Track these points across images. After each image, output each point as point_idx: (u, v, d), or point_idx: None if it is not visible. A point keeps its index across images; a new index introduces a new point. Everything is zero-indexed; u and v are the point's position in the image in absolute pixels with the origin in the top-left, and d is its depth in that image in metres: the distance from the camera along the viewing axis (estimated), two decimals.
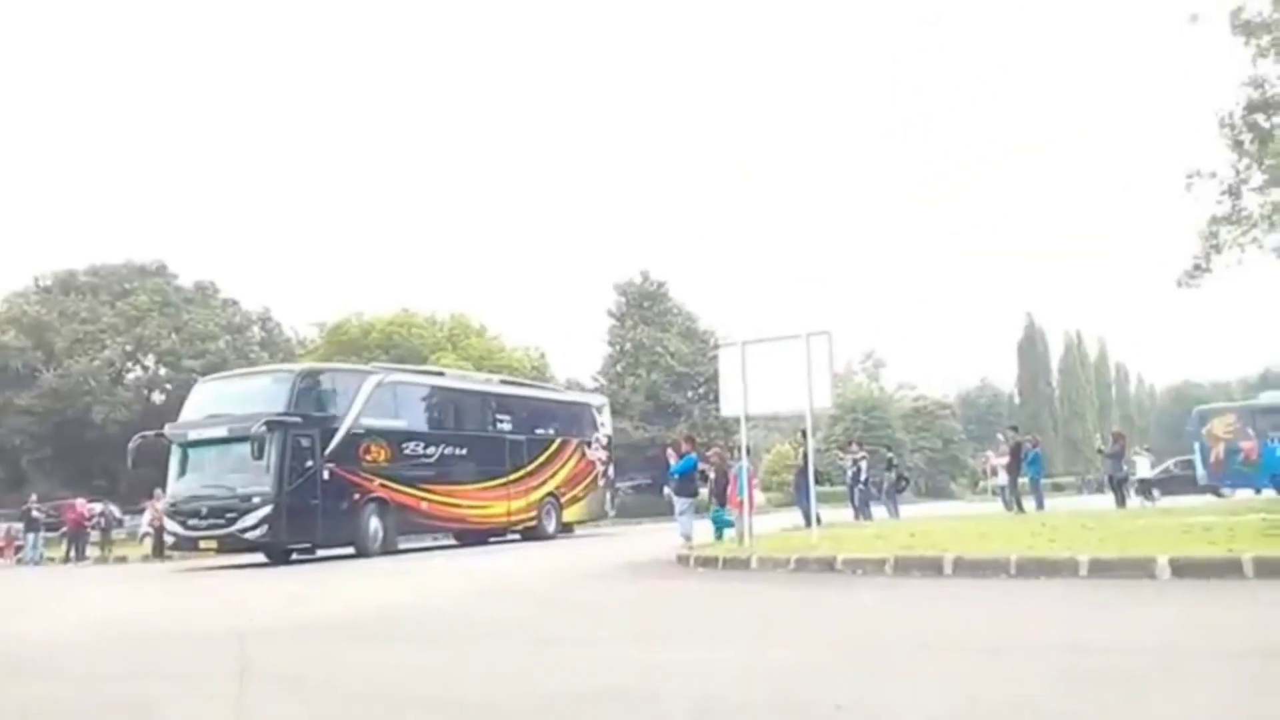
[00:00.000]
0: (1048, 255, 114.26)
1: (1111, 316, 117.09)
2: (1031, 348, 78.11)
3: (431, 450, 22.72)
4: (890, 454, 25.43)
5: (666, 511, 41.25)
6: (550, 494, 26.35)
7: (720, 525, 15.51)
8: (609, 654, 6.76)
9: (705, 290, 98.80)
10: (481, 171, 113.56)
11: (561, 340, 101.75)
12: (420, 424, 22.89)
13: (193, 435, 19.73)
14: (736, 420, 14.77)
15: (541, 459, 26.38)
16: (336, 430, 20.07)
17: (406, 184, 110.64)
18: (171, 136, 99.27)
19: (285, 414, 19.11)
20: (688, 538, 14.12)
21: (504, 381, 29.10)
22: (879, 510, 24.53)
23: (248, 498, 18.63)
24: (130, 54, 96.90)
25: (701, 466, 18.11)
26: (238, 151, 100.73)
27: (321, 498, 19.44)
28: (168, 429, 20.49)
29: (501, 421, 25.33)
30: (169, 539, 20.56)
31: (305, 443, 19.34)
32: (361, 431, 20.53)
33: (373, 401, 21.00)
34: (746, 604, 9.80)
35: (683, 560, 13.82)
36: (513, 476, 25.10)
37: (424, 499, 22.04)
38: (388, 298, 76.69)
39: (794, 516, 20.67)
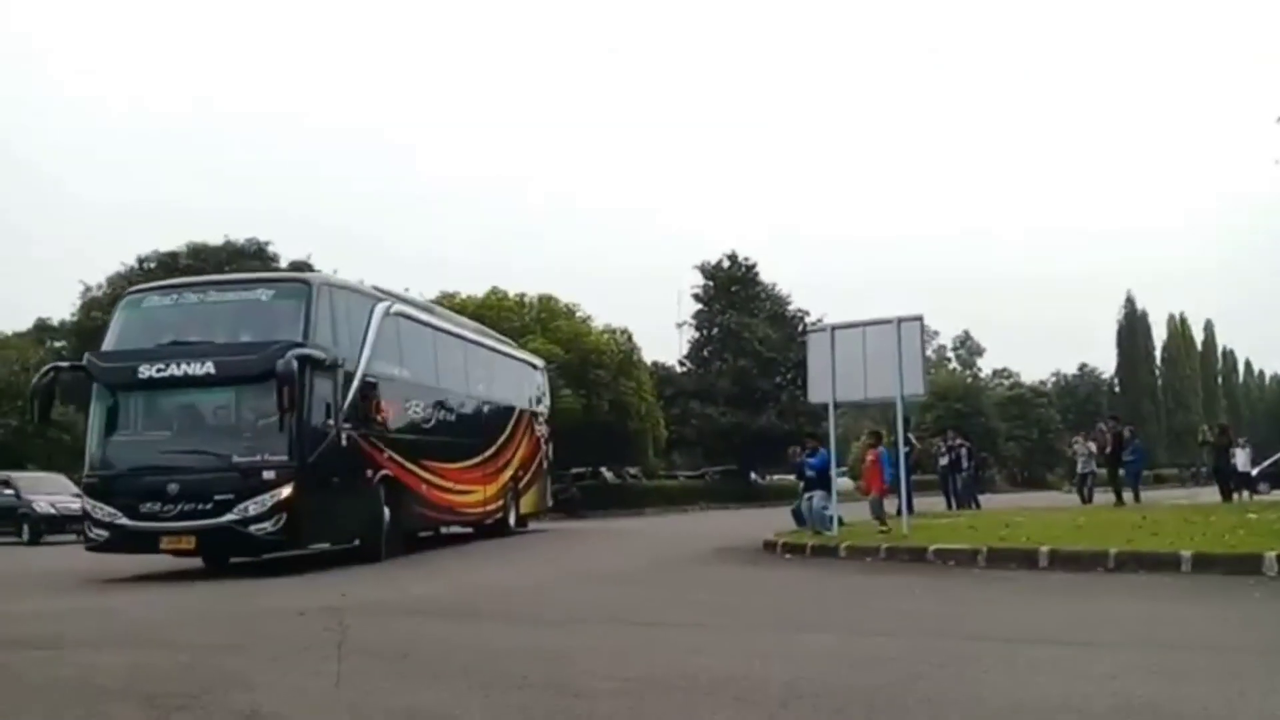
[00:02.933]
0: (1151, 234, 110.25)
1: (1219, 299, 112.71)
2: (1132, 333, 75.49)
3: (429, 415, 16.65)
4: (965, 443, 24.70)
5: (748, 498, 41.48)
6: (512, 478, 20.59)
7: (817, 517, 15.26)
8: (706, 640, 6.80)
9: (795, 271, 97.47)
10: (568, 147, 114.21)
11: (646, 322, 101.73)
12: (422, 376, 16.59)
13: (149, 372, 12.52)
14: (824, 407, 14.63)
15: (505, 433, 20.54)
16: (352, 375, 13.61)
17: (498, 162, 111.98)
18: (269, 115, 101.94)
19: (306, 343, 12.60)
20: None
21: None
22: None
23: (252, 472, 12.11)
24: (231, 33, 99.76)
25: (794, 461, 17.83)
26: (333, 130, 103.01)
27: (340, 475, 13.22)
28: (91, 361, 13.31)
29: (478, 381, 19.58)
30: (94, 532, 12.69)
31: (326, 391, 12.97)
32: (373, 380, 14.11)
33: (382, 339, 14.74)
34: (835, 592, 9.76)
35: (769, 547, 13.79)
36: (487, 454, 19.15)
37: (423, 480, 15.86)
38: (480, 278, 77.93)
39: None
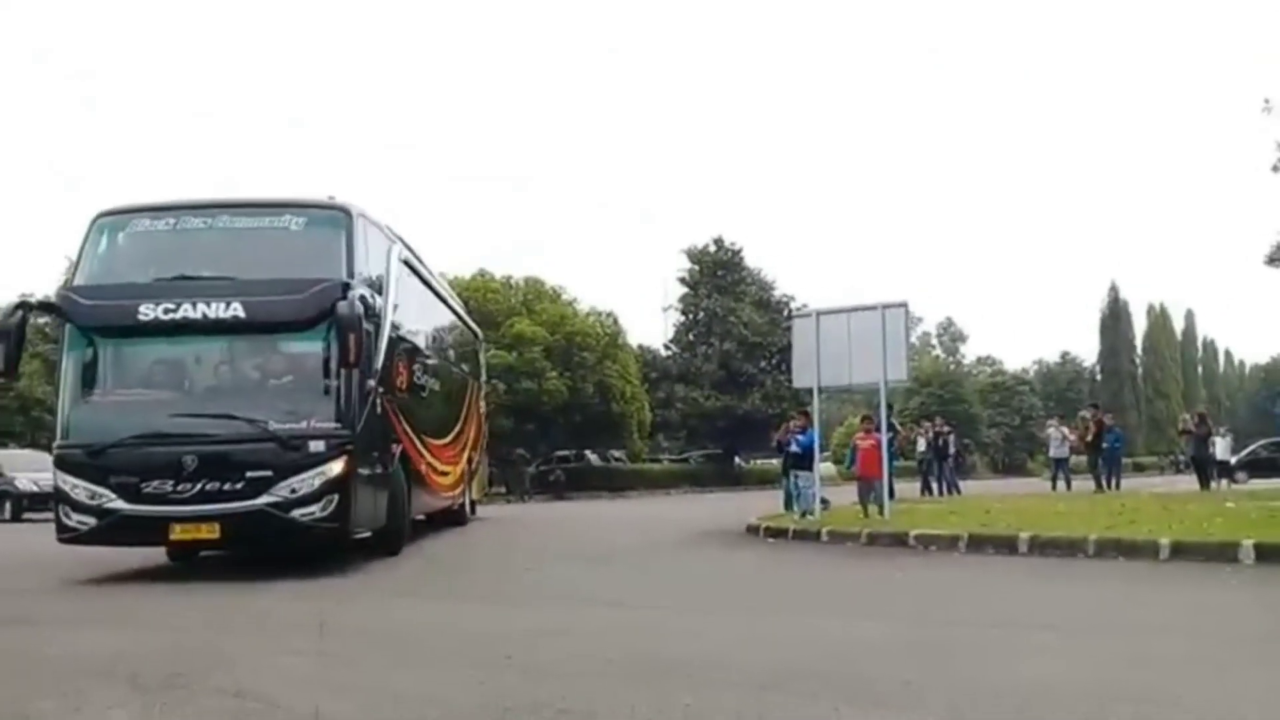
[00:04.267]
0: (1134, 223, 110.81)
1: (1199, 288, 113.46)
2: (1115, 321, 75.80)
3: (424, 381, 13.95)
4: (950, 430, 24.98)
5: (732, 482, 41.66)
6: (468, 459, 18.09)
7: (803, 497, 15.28)
8: (688, 623, 6.84)
9: (781, 256, 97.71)
10: (554, 128, 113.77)
11: (631, 304, 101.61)
12: (419, 335, 14.02)
13: (153, 314, 9.73)
14: (809, 391, 14.69)
15: (466, 407, 18.28)
16: (380, 327, 10.87)
17: (488, 141, 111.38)
18: (260, 99, 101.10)
19: (351, 282, 10.10)
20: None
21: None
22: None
23: (297, 442, 9.60)
24: (223, 29, 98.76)
25: (780, 438, 17.92)
26: (330, 109, 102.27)
27: (376, 448, 10.78)
28: (68, 298, 10.29)
29: (449, 346, 17.36)
30: (74, 519, 9.72)
31: (368, 344, 10.17)
32: (394, 336, 11.50)
33: (399, 287, 12.01)
34: (817, 577, 9.83)
35: (752, 530, 13.87)
36: (456, 430, 16.78)
37: (423, 458, 13.52)
38: (467, 259, 77.65)
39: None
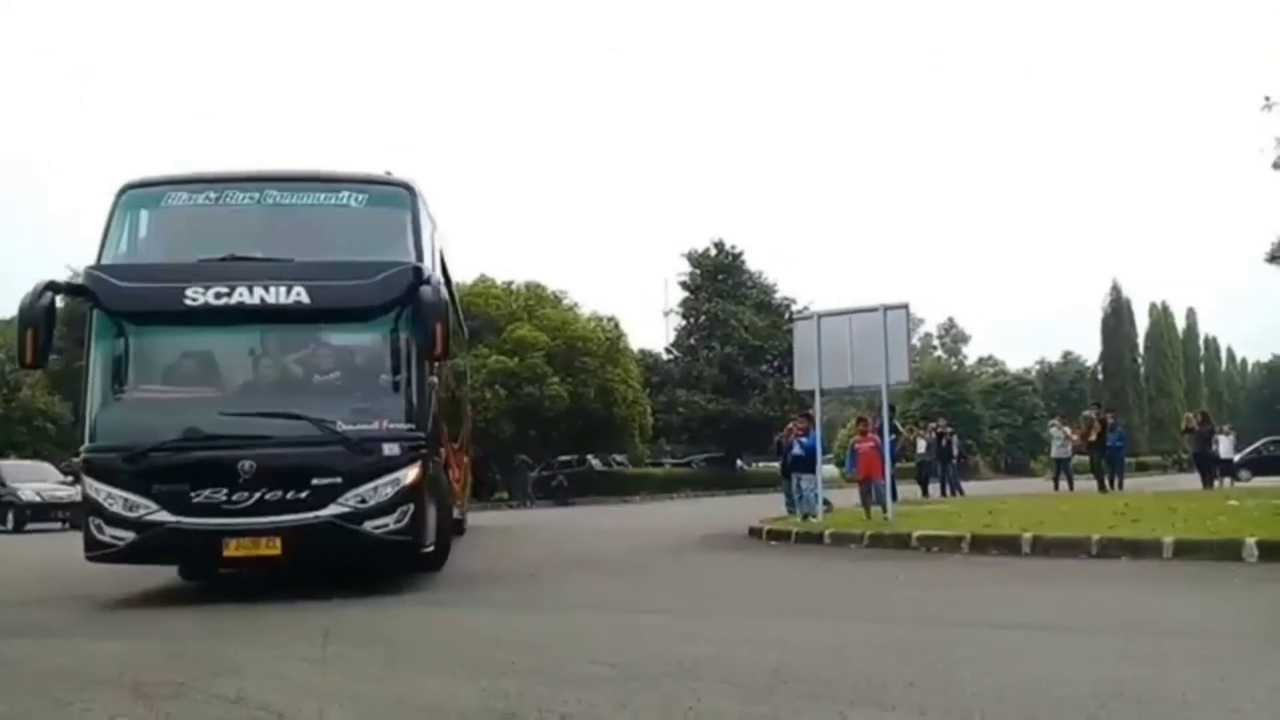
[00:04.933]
0: (1135, 222, 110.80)
1: (1201, 287, 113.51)
2: (1117, 320, 75.67)
3: (448, 379, 12.96)
4: (953, 431, 25.08)
5: (734, 485, 41.62)
6: (462, 464, 17.04)
7: (805, 500, 15.27)
8: (692, 626, 6.84)
9: (781, 258, 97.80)
10: (554, 131, 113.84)
11: (633, 308, 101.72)
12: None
13: (203, 299, 8.58)
14: (810, 394, 14.69)
15: (463, 409, 17.63)
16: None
17: (488, 144, 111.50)
18: (256, 103, 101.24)
19: (423, 267, 9.09)
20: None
21: None
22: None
23: (370, 445, 8.49)
24: (220, 37, 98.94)
25: (780, 439, 17.95)
26: (330, 110, 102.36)
27: (435, 453, 10.00)
28: (100, 279, 8.87)
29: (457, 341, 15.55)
30: (109, 534, 8.36)
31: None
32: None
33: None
34: (820, 579, 9.82)
35: (755, 533, 13.86)
36: (460, 434, 16.26)
37: (448, 463, 12.58)
38: (467, 263, 77.55)
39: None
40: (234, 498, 8.24)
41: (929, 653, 5.43)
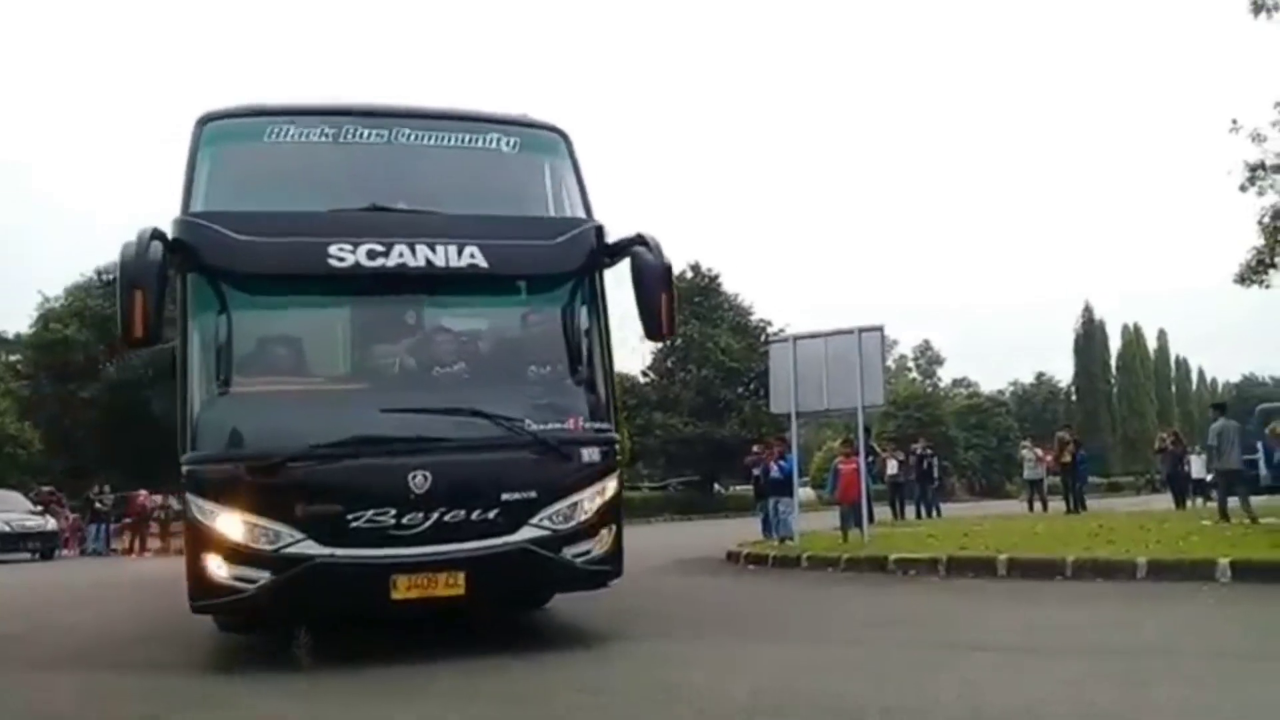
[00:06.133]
0: (1106, 244, 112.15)
1: (1171, 308, 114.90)
2: (1089, 342, 76.51)
3: None
4: (933, 453, 25.34)
5: (711, 509, 41.59)
6: None
7: (783, 524, 15.25)
8: (669, 650, 6.80)
9: (757, 280, 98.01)
10: None
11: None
12: None
13: (352, 259, 6.54)
14: (787, 417, 14.72)
15: None
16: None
17: None
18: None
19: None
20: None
21: None
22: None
23: (568, 450, 6.70)
24: (188, 40, 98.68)
25: (748, 460, 17.97)
26: None
27: None
28: (204, 229, 6.51)
29: None
30: (233, 574, 6.06)
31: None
32: None
33: None
34: (797, 602, 9.81)
35: (732, 557, 13.84)
36: None
37: None
38: None
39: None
40: (404, 520, 6.20)
41: (907, 676, 5.44)
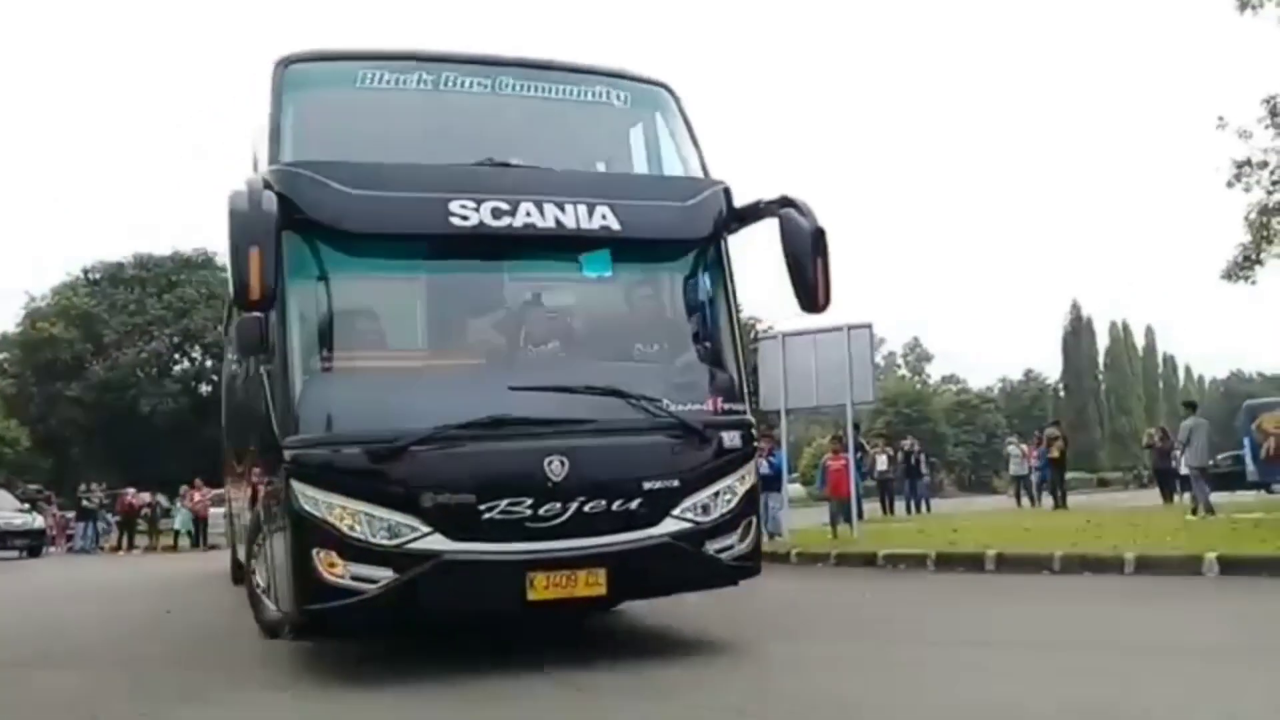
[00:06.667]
0: (1094, 241, 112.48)
1: (1159, 305, 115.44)
2: (1077, 339, 76.86)
3: None
4: (920, 449, 25.57)
5: None
6: None
7: (771, 520, 15.27)
8: (662, 646, 6.79)
9: (745, 278, 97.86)
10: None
11: None
12: None
13: (477, 217, 5.85)
14: (776, 414, 14.74)
15: None
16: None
17: None
18: (211, 126, 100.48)
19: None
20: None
21: None
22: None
23: (708, 434, 6.09)
24: (176, 45, 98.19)
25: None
26: None
27: None
28: (321, 189, 5.70)
29: None
30: (345, 574, 5.27)
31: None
32: None
33: None
34: (787, 599, 9.81)
35: None
36: None
37: None
38: None
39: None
40: (541, 511, 5.55)
41: (896, 671, 5.46)
